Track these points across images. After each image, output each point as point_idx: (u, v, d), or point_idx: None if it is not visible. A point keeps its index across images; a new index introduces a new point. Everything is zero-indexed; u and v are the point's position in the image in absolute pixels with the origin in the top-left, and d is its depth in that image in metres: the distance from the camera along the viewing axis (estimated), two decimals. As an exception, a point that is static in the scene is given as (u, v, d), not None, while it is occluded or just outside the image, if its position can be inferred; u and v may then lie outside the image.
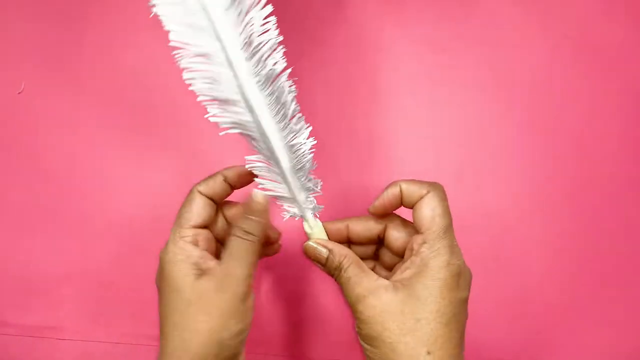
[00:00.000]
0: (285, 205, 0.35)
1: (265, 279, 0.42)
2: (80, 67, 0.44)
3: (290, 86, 0.33)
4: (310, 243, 0.34)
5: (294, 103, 0.33)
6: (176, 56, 0.31)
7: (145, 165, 0.43)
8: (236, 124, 0.33)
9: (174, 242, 0.33)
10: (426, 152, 0.43)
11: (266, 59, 0.32)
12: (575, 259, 0.43)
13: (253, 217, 0.33)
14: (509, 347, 0.42)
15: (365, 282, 0.32)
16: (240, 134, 0.33)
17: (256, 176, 0.34)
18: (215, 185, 0.34)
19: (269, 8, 0.31)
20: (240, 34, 0.31)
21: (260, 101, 0.32)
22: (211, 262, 0.33)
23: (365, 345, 0.32)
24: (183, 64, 0.31)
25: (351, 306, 0.32)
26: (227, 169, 0.34)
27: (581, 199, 0.43)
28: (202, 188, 0.34)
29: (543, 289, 0.42)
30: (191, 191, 0.34)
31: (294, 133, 0.33)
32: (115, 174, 0.43)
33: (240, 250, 0.32)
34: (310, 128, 0.33)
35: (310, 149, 0.34)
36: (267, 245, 0.37)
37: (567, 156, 0.43)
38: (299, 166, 0.34)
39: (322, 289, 0.42)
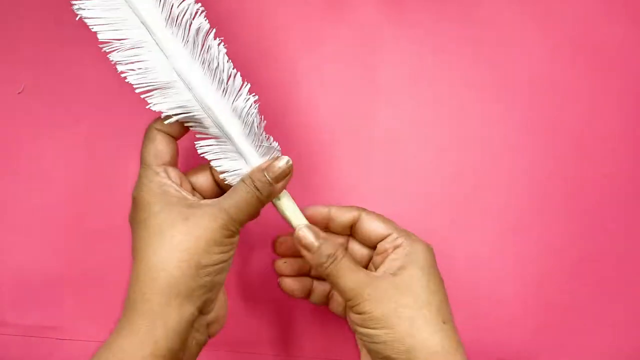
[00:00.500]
0: None
1: (263, 277, 0.42)
2: (81, 67, 0.44)
3: (219, 44, 0.33)
4: (305, 229, 0.33)
5: (226, 62, 0.33)
6: (107, 53, 0.32)
7: (145, 165, 0.43)
8: (178, 107, 0.33)
9: (148, 178, 0.32)
10: (426, 152, 0.43)
11: (189, 26, 0.32)
12: (575, 258, 0.43)
13: (268, 177, 0.32)
14: (509, 347, 0.42)
15: (363, 271, 0.32)
16: (185, 119, 0.33)
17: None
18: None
19: None
20: (162, 12, 0.32)
21: (194, 72, 0.32)
22: (195, 198, 0.32)
23: (373, 331, 0.31)
24: (114, 58, 0.32)
25: (349, 293, 0.31)
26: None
27: (581, 199, 0.43)
28: (159, 125, 0.33)
29: (543, 288, 0.42)
30: (148, 130, 0.34)
31: (235, 94, 0.33)
32: (116, 173, 0.43)
33: (243, 196, 0.31)
34: (249, 85, 0.33)
35: (254, 104, 0.33)
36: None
37: (567, 156, 0.43)
38: (249, 127, 0.33)
39: (322, 289, 0.42)
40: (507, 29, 0.44)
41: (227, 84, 0.33)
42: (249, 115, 0.33)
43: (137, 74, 0.32)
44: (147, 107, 0.33)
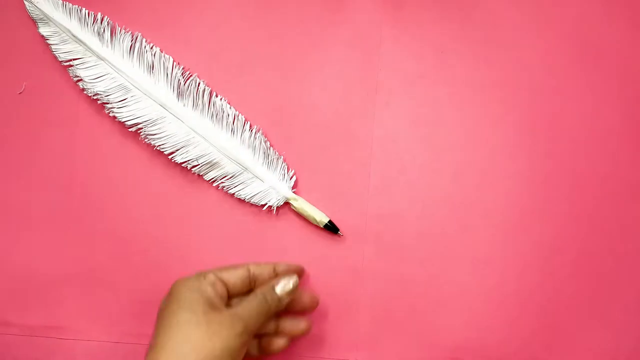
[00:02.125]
0: (264, 198, 0.41)
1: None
2: (81, 67, 0.44)
3: (220, 99, 0.42)
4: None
5: (229, 108, 0.42)
6: (141, 136, 0.42)
7: (145, 165, 0.43)
8: (200, 156, 0.41)
9: (196, 277, 0.35)
10: (426, 152, 0.43)
11: (196, 93, 0.42)
12: (574, 259, 0.43)
13: (278, 293, 0.36)
14: (509, 346, 0.42)
15: None
16: (205, 167, 0.41)
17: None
18: (264, 270, 0.38)
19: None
20: (173, 92, 0.42)
21: (206, 125, 0.41)
22: (222, 305, 0.35)
23: None
24: (146, 131, 0.42)
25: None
26: (279, 264, 0.39)
27: (581, 199, 0.43)
28: (252, 267, 0.38)
29: (543, 288, 0.42)
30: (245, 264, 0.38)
31: (241, 129, 0.42)
32: (116, 173, 0.43)
33: (255, 307, 0.35)
34: (244, 118, 0.42)
35: (258, 130, 0.42)
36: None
37: (567, 156, 0.43)
38: (258, 150, 0.41)
39: (321, 288, 0.42)
40: (507, 29, 0.44)
41: (233, 124, 0.42)
42: (256, 139, 0.42)
43: (162, 139, 0.41)
44: (172, 159, 0.41)
